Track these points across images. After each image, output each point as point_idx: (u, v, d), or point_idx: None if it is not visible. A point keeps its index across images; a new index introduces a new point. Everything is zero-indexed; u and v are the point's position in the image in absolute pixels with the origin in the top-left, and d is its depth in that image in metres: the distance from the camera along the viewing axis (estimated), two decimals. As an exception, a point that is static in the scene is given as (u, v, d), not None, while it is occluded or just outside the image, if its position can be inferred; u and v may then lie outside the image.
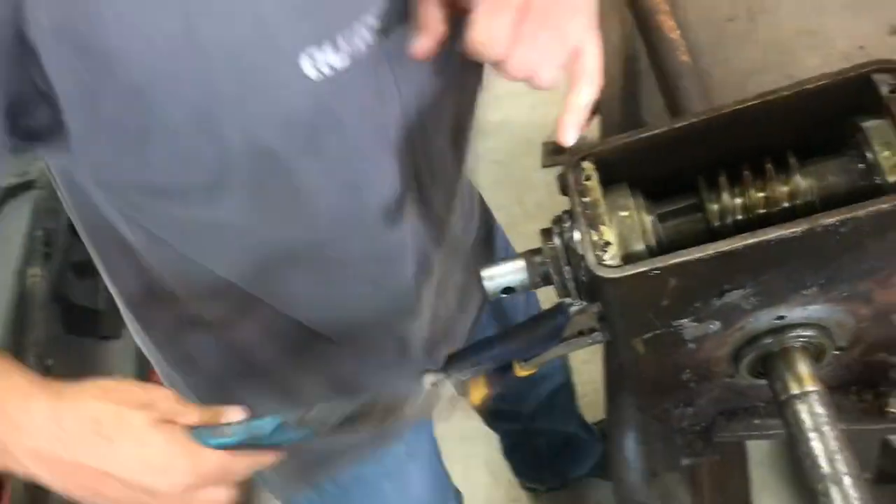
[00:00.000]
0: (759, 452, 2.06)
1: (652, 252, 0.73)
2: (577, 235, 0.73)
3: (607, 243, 0.70)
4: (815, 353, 0.80)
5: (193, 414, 0.74)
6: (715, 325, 0.76)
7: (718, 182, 0.75)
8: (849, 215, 0.66)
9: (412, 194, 0.91)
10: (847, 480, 0.71)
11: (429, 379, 1.09)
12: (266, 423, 0.76)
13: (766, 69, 1.15)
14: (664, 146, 0.76)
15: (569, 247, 0.74)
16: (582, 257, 0.72)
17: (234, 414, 0.76)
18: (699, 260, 0.67)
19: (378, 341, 1.04)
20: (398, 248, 0.95)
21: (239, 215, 0.82)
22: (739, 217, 0.74)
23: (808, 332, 0.77)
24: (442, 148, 0.93)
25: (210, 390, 1.05)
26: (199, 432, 0.73)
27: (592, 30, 0.70)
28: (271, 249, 0.88)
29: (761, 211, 0.74)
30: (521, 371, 1.04)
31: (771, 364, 0.79)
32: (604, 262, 0.70)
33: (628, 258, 0.72)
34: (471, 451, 2.24)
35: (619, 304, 0.72)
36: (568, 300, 0.86)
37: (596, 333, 0.91)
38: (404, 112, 0.83)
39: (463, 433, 2.22)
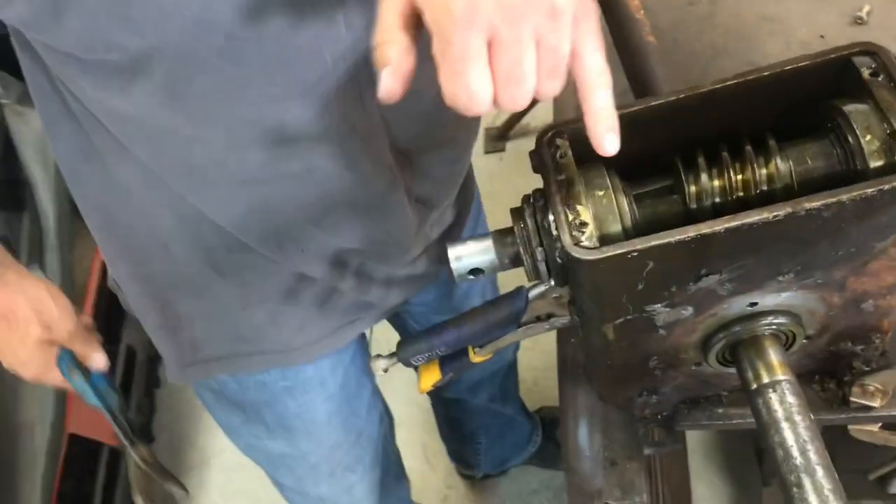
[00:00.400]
0: (692, 441, 2.08)
1: (628, 234, 0.70)
2: (550, 216, 0.70)
3: (584, 223, 0.67)
4: (785, 342, 0.79)
5: (75, 342, 1.02)
6: (687, 311, 0.73)
7: (696, 163, 0.72)
8: (833, 199, 0.64)
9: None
10: (820, 471, 0.69)
11: (379, 364, 1.05)
12: (89, 397, 1.07)
13: (727, 54, 1.14)
14: (640, 125, 0.73)
15: (542, 227, 0.71)
16: (556, 238, 0.68)
17: (98, 360, 1.06)
18: (679, 242, 0.65)
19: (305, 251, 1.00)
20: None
21: (155, 112, 0.78)
22: (717, 200, 0.72)
23: (780, 320, 0.76)
24: None
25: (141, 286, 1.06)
26: (64, 357, 1.02)
27: (585, 22, 0.58)
28: (198, 154, 0.83)
29: (740, 194, 0.71)
30: (477, 357, 1.01)
31: (741, 352, 0.77)
32: (581, 244, 0.66)
33: (604, 240, 0.68)
34: (408, 438, 2.21)
35: (593, 288, 0.69)
36: (527, 285, 0.83)
37: (554, 319, 0.88)
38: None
39: (400, 419, 2.18)
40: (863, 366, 0.85)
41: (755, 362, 0.76)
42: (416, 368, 1.05)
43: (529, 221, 0.72)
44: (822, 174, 0.71)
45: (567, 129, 0.73)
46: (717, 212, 0.71)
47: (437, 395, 1.88)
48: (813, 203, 0.64)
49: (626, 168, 0.74)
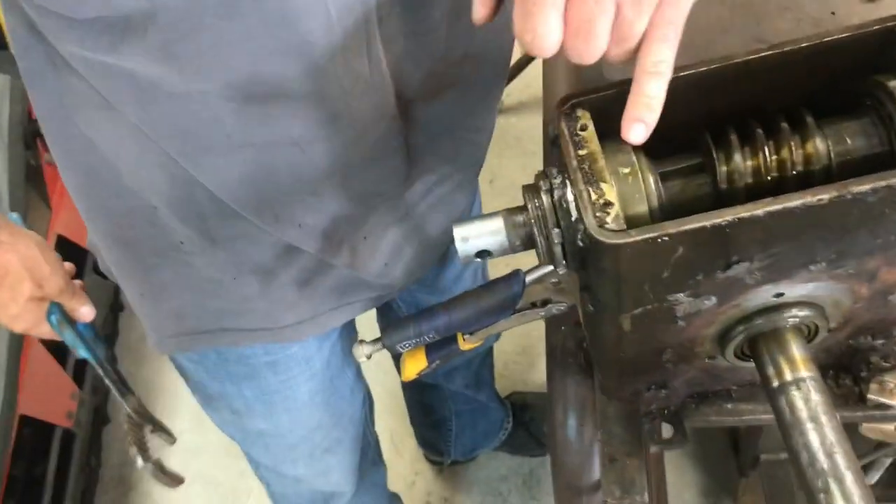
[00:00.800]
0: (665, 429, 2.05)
1: (654, 216, 0.64)
2: (570, 194, 0.64)
3: (608, 203, 0.61)
4: (807, 335, 0.73)
5: (64, 296, 1.01)
6: (710, 301, 0.68)
7: (729, 141, 0.67)
8: (882, 183, 0.58)
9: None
10: (849, 477, 0.64)
11: (363, 350, 0.98)
12: (80, 349, 1.06)
13: (734, 29, 1.08)
14: (667, 97, 0.67)
15: (559, 206, 0.65)
16: (578, 219, 0.62)
17: (86, 312, 1.04)
18: (715, 227, 0.59)
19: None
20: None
21: (146, 68, 0.73)
22: (751, 181, 0.66)
23: (805, 312, 0.70)
24: None
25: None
26: (53, 311, 1.01)
27: (670, 7, 0.57)
28: (193, 113, 0.78)
29: (775, 174, 0.66)
30: (466, 344, 0.95)
31: (761, 346, 0.72)
32: (606, 225, 0.60)
33: (630, 222, 0.62)
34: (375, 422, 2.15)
35: (614, 275, 0.63)
36: (524, 268, 0.76)
37: (550, 305, 0.83)
38: None
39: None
40: (882, 361, 0.81)
41: (777, 357, 0.71)
42: (399, 355, 0.99)
43: (545, 199, 0.66)
44: (862, 155, 0.65)
45: (588, 99, 0.67)
46: (749, 194, 0.66)
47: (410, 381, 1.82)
48: (861, 187, 0.58)
49: (651, 144, 0.68)
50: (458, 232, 0.68)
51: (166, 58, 0.71)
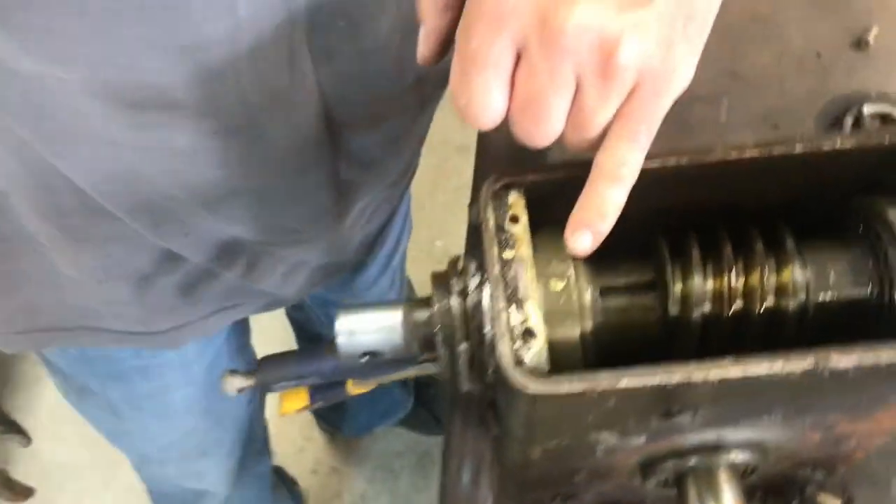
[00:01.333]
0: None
1: (586, 342, 0.51)
2: (487, 301, 0.50)
3: (530, 332, 0.48)
4: (743, 473, 0.63)
5: None
6: (639, 440, 0.56)
7: (689, 253, 0.54)
8: (871, 360, 0.46)
9: None
10: None
11: (233, 384, 0.85)
12: None
13: (707, 58, 0.94)
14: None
15: (472, 316, 0.51)
16: (492, 345, 0.49)
17: None
18: (657, 387, 0.46)
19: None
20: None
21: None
22: (709, 309, 0.53)
23: (745, 455, 0.59)
24: None
25: None
26: None
27: (648, 98, 0.45)
28: (50, 97, 0.62)
29: (739, 305, 0.53)
30: (356, 389, 0.83)
31: (690, 484, 0.61)
32: (523, 363, 0.47)
33: (555, 349, 0.49)
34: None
35: (528, 417, 0.51)
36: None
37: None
38: None
39: (267, 346, 2.00)
40: (817, 492, 0.71)
41: (706, 499, 0.60)
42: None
43: (455, 303, 0.52)
44: (847, 298, 0.53)
45: (526, 181, 0.53)
46: (706, 326, 0.53)
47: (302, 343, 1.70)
48: (843, 362, 0.46)
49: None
50: (343, 324, 0.54)
51: (3, 26, 0.54)
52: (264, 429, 1.44)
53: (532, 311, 0.48)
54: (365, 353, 0.55)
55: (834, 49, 0.94)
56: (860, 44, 0.94)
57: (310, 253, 0.90)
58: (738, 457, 0.59)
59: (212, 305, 0.92)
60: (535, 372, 0.47)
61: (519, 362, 0.47)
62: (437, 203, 2.35)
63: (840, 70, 0.91)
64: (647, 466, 0.61)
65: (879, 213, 0.53)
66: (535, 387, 0.46)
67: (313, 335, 1.55)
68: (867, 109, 0.84)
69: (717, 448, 0.59)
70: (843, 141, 0.53)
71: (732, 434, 0.57)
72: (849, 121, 0.84)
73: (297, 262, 0.91)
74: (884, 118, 0.84)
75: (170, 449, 1.15)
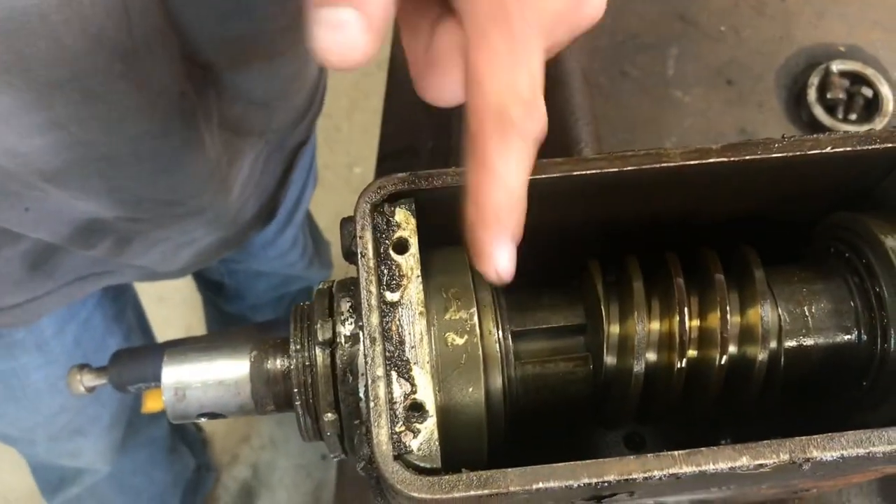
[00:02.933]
0: None
1: (494, 408, 0.39)
2: (362, 363, 0.37)
3: (418, 407, 0.35)
4: (682, 527, 0.52)
5: None
6: (560, 510, 0.45)
7: (628, 285, 0.41)
8: (860, 451, 0.35)
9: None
10: None
11: (81, 381, 0.71)
12: None
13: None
14: (540, 198, 0.40)
15: (343, 377, 0.38)
16: (366, 430, 0.36)
17: None
18: (585, 486, 0.35)
19: None
20: None
21: None
22: (653, 359, 0.41)
23: (689, 514, 0.49)
24: None
25: None
26: None
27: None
28: None
29: (692, 354, 0.41)
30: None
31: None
32: (408, 454, 0.34)
33: (453, 419, 0.37)
34: (168, 315, 1.89)
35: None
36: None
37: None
38: None
39: (161, 294, 1.85)
40: (762, 526, 0.61)
41: (637, 562, 0.49)
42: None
43: (320, 356, 0.39)
44: (826, 343, 0.42)
45: (419, 188, 0.39)
46: (650, 380, 0.41)
47: (213, 304, 1.54)
48: (826, 453, 0.35)
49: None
50: (170, 376, 0.41)
51: None
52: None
53: (421, 379, 0.35)
54: (202, 415, 0.41)
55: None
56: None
57: (195, 230, 0.75)
58: (679, 517, 0.49)
59: (71, 275, 0.77)
60: (422, 467, 0.34)
61: (400, 454, 0.34)
62: (356, 125, 2.18)
63: (806, 15, 0.78)
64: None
65: (869, 236, 0.41)
66: (420, 492, 0.34)
67: (213, 283, 1.40)
68: (835, 67, 0.72)
69: (653, 509, 0.48)
70: (832, 144, 0.40)
71: (675, 498, 0.46)
72: (814, 80, 0.72)
73: (182, 241, 0.76)
74: (853, 77, 0.72)
75: (35, 430, 1.01)
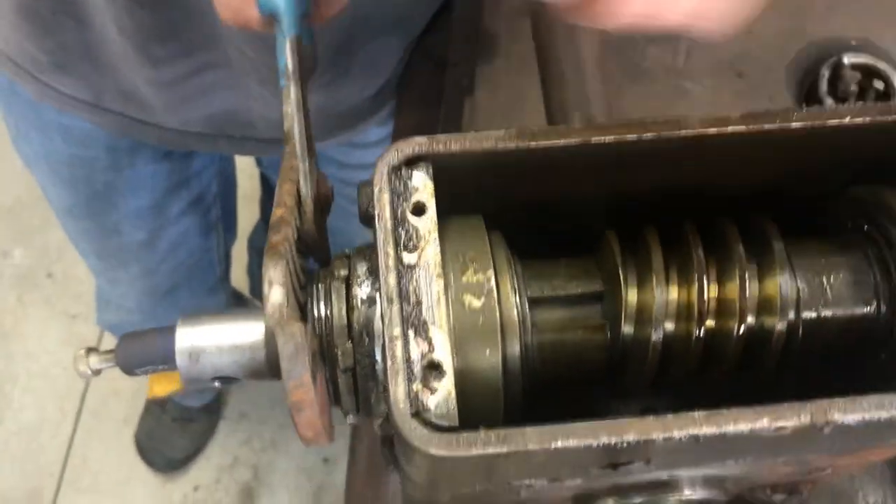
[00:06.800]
0: None
1: (511, 373, 0.39)
2: (378, 324, 0.37)
3: (436, 366, 0.35)
4: (695, 507, 0.52)
5: None
6: (575, 482, 0.44)
7: (647, 254, 0.41)
8: (883, 414, 0.35)
9: None
10: None
11: (88, 364, 0.71)
12: None
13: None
14: (555, 168, 0.41)
15: (360, 338, 0.38)
16: (382, 385, 0.36)
17: None
18: (603, 447, 0.34)
19: None
20: None
21: None
22: (670, 328, 0.41)
23: (701, 494, 0.49)
24: None
25: None
26: None
27: None
28: None
29: (710, 325, 0.41)
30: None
31: (632, 523, 0.50)
32: (425, 413, 0.34)
33: (470, 382, 0.37)
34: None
35: (433, 474, 0.38)
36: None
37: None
38: None
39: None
40: (773, 512, 0.61)
41: (650, 542, 0.49)
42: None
43: (337, 311, 0.39)
44: (845, 318, 0.42)
45: (439, 152, 0.39)
46: (668, 349, 0.41)
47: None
48: (848, 416, 0.35)
49: (525, 233, 0.42)
50: (184, 339, 0.41)
51: None
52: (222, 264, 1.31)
53: (438, 338, 0.35)
54: (216, 379, 0.41)
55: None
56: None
57: None
58: (692, 496, 0.48)
59: None
60: (439, 425, 0.34)
61: (418, 412, 0.34)
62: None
63: (818, 9, 0.79)
64: (582, 502, 0.50)
65: (888, 207, 0.41)
66: (438, 449, 0.33)
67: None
68: (847, 59, 0.72)
69: (666, 486, 0.48)
70: (852, 115, 0.40)
71: (688, 472, 0.46)
72: (825, 72, 0.72)
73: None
74: (865, 70, 0.72)
75: None
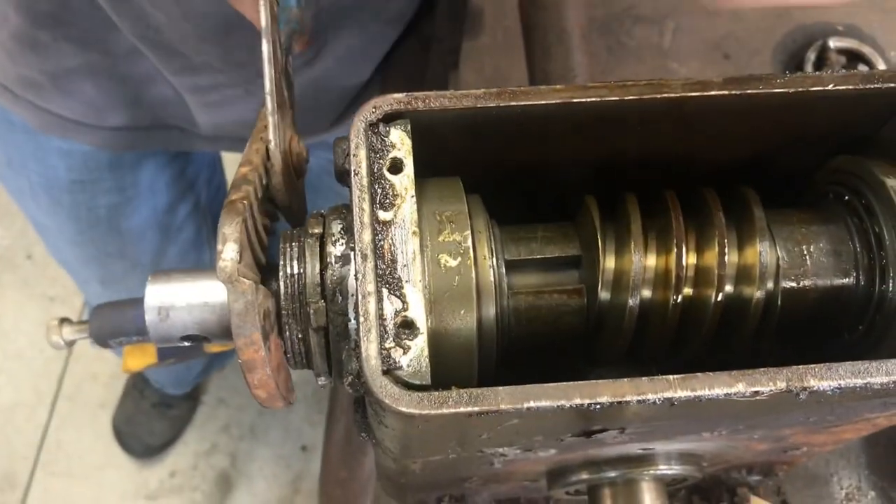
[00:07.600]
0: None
1: (486, 335, 0.38)
2: (351, 279, 0.37)
3: (409, 324, 0.34)
4: (671, 484, 0.52)
5: None
6: (548, 453, 0.44)
7: (626, 220, 0.41)
8: (858, 381, 0.35)
9: None
10: None
11: (61, 334, 0.70)
12: None
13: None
14: (536, 131, 0.40)
15: (333, 296, 0.37)
16: (354, 343, 0.35)
17: None
18: (577, 408, 0.34)
19: None
20: None
21: None
22: (648, 294, 0.41)
23: (676, 468, 0.48)
24: None
25: None
26: None
27: None
28: None
29: (687, 293, 0.41)
30: (216, 347, 0.68)
31: (606, 497, 0.49)
32: (397, 371, 0.34)
33: (444, 343, 0.36)
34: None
35: (405, 436, 0.37)
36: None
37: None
38: None
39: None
40: (749, 492, 0.61)
41: (624, 517, 0.49)
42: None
43: (310, 269, 0.38)
44: (825, 288, 0.41)
45: (417, 108, 0.38)
46: (644, 316, 0.40)
47: None
48: (823, 382, 0.34)
49: (509, 202, 0.42)
50: (153, 296, 0.40)
51: None
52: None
53: (413, 296, 0.34)
54: (185, 338, 0.40)
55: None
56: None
57: None
58: (667, 470, 0.48)
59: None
60: (410, 383, 0.33)
61: (389, 369, 0.33)
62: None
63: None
64: (556, 476, 0.49)
65: (870, 177, 0.40)
66: (409, 407, 0.33)
67: None
68: (833, 44, 0.72)
69: (640, 460, 0.47)
70: (834, 81, 0.40)
71: (663, 446, 0.45)
72: (811, 56, 0.72)
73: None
74: (850, 54, 0.72)
75: None
